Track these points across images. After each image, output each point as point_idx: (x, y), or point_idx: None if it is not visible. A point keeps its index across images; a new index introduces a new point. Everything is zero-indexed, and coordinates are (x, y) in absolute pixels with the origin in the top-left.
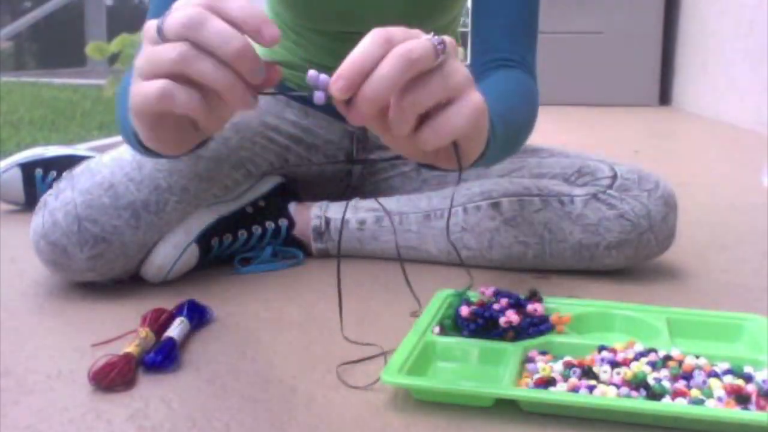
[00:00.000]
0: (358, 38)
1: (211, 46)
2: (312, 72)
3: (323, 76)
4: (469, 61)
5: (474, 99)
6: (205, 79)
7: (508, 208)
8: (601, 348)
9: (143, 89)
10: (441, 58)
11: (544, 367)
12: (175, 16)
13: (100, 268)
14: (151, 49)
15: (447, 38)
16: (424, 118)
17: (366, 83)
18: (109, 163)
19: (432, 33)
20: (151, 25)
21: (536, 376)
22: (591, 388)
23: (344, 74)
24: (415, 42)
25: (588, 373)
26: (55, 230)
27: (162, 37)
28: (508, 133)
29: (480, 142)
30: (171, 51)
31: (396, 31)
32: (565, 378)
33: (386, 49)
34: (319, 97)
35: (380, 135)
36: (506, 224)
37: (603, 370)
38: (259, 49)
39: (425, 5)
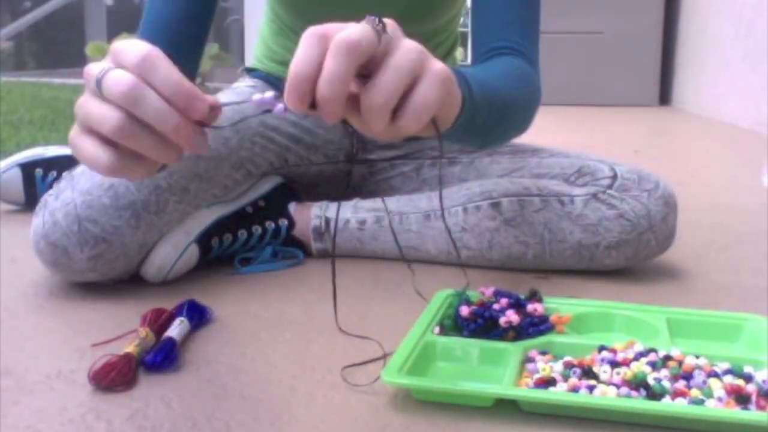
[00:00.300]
0: None
1: (150, 122)
2: (254, 99)
3: (266, 97)
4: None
5: (435, 69)
6: (144, 151)
7: (508, 208)
8: (601, 348)
9: (79, 145)
10: (385, 39)
11: (544, 367)
12: (114, 83)
13: (100, 268)
14: (92, 107)
15: (386, 19)
16: (397, 107)
17: (318, 86)
18: None
19: (369, 16)
20: (91, 74)
21: (536, 376)
22: (591, 388)
23: (291, 87)
24: (350, 28)
25: (588, 373)
26: (56, 230)
27: (101, 93)
28: (493, 101)
29: (453, 105)
30: (111, 119)
31: (328, 26)
32: (565, 378)
33: (324, 46)
34: (279, 109)
35: (359, 128)
36: (506, 224)
37: (603, 370)
38: (260, 49)
39: (425, 3)
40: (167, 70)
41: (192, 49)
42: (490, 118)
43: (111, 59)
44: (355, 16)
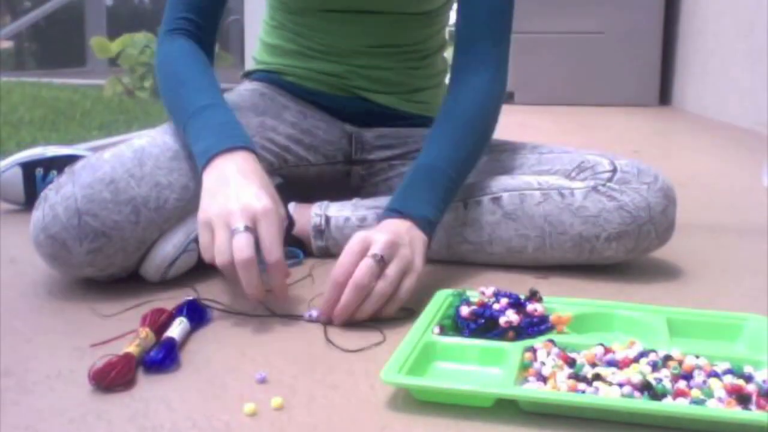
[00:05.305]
0: (358, 18)
1: (243, 283)
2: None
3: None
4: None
5: (416, 266)
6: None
7: (508, 202)
8: (601, 348)
9: (205, 241)
10: (386, 258)
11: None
12: (239, 249)
13: (99, 263)
14: (220, 239)
15: (383, 247)
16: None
17: (336, 310)
18: (110, 159)
19: (378, 255)
20: (231, 221)
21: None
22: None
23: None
24: (359, 271)
25: (580, 371)
26: (55, 224)
27: (232, 239)
28: (462, 175)
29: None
30: (224, 266)
31: (343, 266)
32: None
33: (344, 285)
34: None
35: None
36: (507, 218)
37: (603, 371)
38: (260, 52)
39: None
40: (279, 267)
41: (215, 18)
42: (460, 183)
43: (246, 218)
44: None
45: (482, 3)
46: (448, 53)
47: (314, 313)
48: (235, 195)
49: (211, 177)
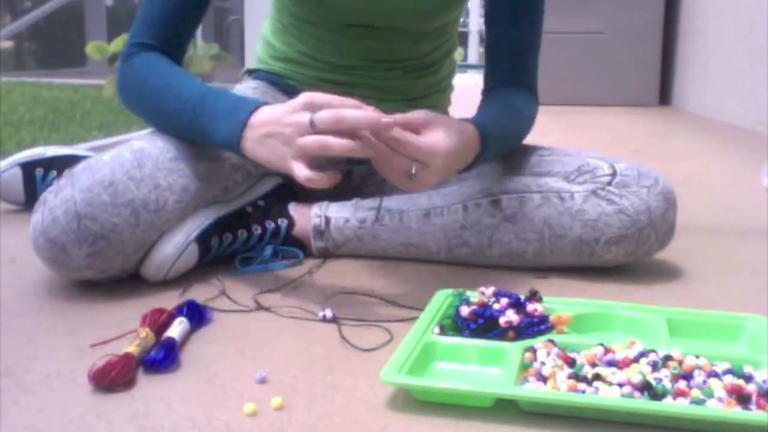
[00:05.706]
0: (365, 32)
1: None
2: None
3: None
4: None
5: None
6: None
7: (508, 205)
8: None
9: (299, 171)
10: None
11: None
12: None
13: (98, 265)
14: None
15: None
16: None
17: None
18: (109, 162)
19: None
20: (301, 121)
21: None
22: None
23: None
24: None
25: (582, 372)
26: (55, 227)
27: (314, 128)
28: (500, 146)
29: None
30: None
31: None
32: (576, 372)
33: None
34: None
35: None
36: (506, 221)
37: (603, 371)
38: (263, 50)
39: (431, 3)
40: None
41: (189, 29)
42: (496, 155)
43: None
44: (363, 11)
45: (512, 38)
46: (459, 52)
47: (328, 314)
48: (280, 124)
49: (252, 142)
